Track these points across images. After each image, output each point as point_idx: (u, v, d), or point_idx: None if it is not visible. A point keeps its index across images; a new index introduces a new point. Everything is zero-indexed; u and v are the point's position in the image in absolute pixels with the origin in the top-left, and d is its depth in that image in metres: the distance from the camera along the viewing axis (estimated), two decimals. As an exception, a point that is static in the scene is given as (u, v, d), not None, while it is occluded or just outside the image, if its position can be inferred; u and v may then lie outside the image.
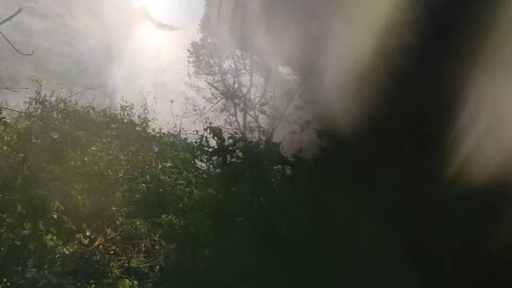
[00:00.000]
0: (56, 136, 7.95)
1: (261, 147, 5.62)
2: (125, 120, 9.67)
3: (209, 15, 31.51)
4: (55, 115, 9.47)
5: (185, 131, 10.15)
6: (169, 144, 8.73)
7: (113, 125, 8.95)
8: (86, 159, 7.44)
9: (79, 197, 6.48)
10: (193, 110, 28.93)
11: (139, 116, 9.85)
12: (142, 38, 66.45)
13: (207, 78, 30.88)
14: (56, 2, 60.54)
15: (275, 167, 5.55)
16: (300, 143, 5.80)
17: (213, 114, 30.08)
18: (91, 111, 9.83)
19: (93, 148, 7.81)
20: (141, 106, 10.18)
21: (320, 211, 4.82)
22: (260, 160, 5.30)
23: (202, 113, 28.93)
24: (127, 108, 9.57)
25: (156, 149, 8.32)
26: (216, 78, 31.38)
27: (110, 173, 7.36)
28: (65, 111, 8.79)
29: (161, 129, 9.73)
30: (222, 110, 30.54)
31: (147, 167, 7.80)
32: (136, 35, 68.15)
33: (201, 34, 32.13)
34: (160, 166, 8.06)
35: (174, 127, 10.44)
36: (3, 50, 38.67)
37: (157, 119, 10.23)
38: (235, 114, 31.08)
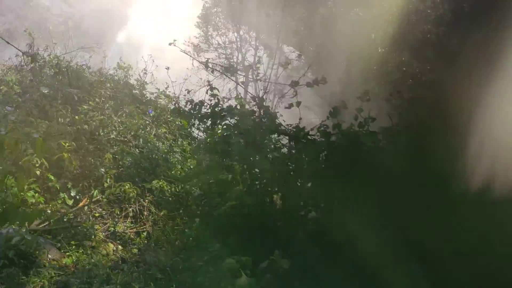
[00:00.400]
0: (46, 91, 7.56)
1: (256, 115, 5.25)
2: (122, 82, 9.22)
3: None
4: (47, 71, 9.02)
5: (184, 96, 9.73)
6: (165, 109, 8.33)
7: (108, 85, 8.53)
8: (76, 117, 7.08)
9: (66, 155, 6.16)
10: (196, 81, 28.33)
11: (136, 79, 9.40)
12: (145, 3, 65.10)
13: (211, 49, 30.28)
14: (59, -40, 58.93)
15: (271, 137, 5.21)
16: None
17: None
18: (86, 69, 9.39)
19: (85, 107, 7.44)
20: (141, 71, 9.70)
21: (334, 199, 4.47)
22: (255, 127, 4.95)
23: (203, 85, 28.22)
24: (124, 69, 9.08)
25: (152, 113, 7.94)
26: (219, 51, 30.77)
27: (102, 134, 7.02)
28: (57, 67, 8.34)
29: (158, 92, 9.32)
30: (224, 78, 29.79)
31: (141, 131, 7.44)
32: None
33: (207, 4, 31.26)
34: (154, 131, 7.71)
35: (173, 93, 9.94)
36: (2, 8, 37.56)
37: (156, 83, 9.78)
38: (236, 88, 30.59)
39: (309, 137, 4.88)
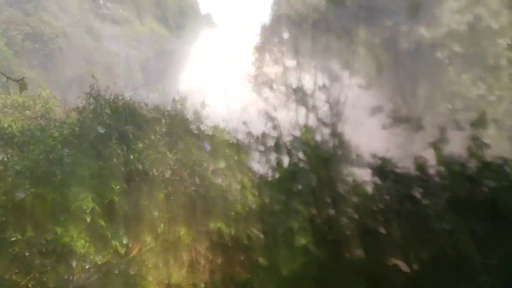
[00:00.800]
0: (103, 131, 7.26)
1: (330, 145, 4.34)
2: (178, 117, 8.83)
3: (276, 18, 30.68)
4: (107, 111, 8.86)
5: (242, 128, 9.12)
6: (223, 142, 7.70)
7: (164, 121, 8.14)
8: (131, 156, 6.67)
9: (117, 198, 5.69)
10: (257, 112, 28.02)
11: (194, 112, 8.94)
12: (206, 42, 67.64)
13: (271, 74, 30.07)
14: (127, 9, 63.14)
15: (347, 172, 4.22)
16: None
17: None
18: (143, 106, 9.13)
19: (139, 145, 7.02)
20: (199, 105, 9.21)
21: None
22: (330, 161, 4.03)
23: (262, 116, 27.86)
24: (179, 102, 8.67)
25: (209, 148, 7.33)
26: (278, 77, 30.49)
27: (156, 173, 6.52)
28: (114, 106, 8.12)
29: (215, 126, 8.78)
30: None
31: (197, 167, 6.85)
32: (200, 39, 69.56)
33: (265, 35, 31.35)
34: (212, 168, 7.09)
35: (230, 127, 9.35)
36: (75, 55, 40.64)
37: (213, 117, 9.23)
38: (296, 115, 29.78)
39: (398, 170, 3.81)
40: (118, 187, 5.71)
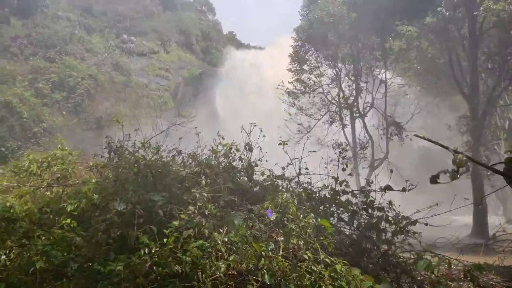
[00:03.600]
0: (123, 208, 5.03)
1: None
2: (222, 164, 6.33)
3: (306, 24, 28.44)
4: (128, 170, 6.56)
5: (306, 172, 6.52)
6: (292, 203, 5.10)
7: (203, 177, 5.77)
8: (165, 248, 4.37)
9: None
10: (297, 130, 25.55)
11: (241, 158, 6.42)
12: (233, 61, 66.35)
13: (307, 92, 27.57)
14: (151, 40, 63.08)
15: None
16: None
17: (319, 132, 26.49)
18: (174, 159, 6.86)
19: (175, 224, 4.72)
20: (244, 145, 6.53)
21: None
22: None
23: (307, 131, 25.44)
24: (220, 150, 6.12)
25: (273, 217, 4.84)
26: (316, 90, 28.00)
27: (201, 277, 4.16)
28: (136, 167, 5.89)
29: (272, 173, 6.28)
30: (331, 122, 26.66)
31: (264, 258, 4.34)
32: (226, 58, 68.41)
33: (296, 44, 29.12)
34: (282, 249, 4.54)
35: (286, 169, 6.57)
36: (104, 94, 39.80)
37: (266, 160, 6.64)
38: (343, 128, 27.12)
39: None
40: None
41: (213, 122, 37.21)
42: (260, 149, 6.75)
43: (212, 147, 6.30)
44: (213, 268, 4.07)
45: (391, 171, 5.51)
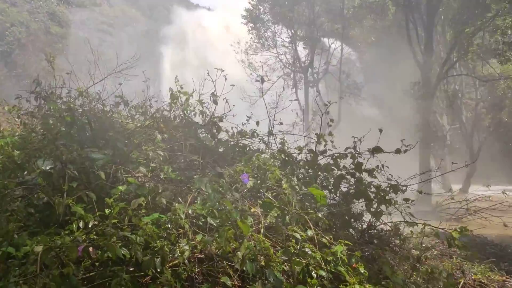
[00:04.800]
0: (48, 167, 3.75)
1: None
2: (179, 118, 5.05)
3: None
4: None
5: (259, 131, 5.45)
6: (272, 165, 3.96)
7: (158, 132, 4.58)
8: (107, 220, 3.22)
9: None
10: (251, 94, 24.50)
11: (202, 112, 5.19)
12: (180, 20, 62.86)
13: (261, 52, 26.49)
14: (93, -9, 58.10)
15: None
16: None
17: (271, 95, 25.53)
18: (122, 108, 5.57)
19: (120, 189, 3.55)
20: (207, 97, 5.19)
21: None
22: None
23: (260, 96, 24.46)
24: (178, 98, 4.79)
25: (249, 183, 3.75)
26: (271, 51, 26.95)
27: (159, 263, 3.04)
28: (70, 115, 4.51)
29: (236, 129, 5.21)
30: (285, 87, 25.90)
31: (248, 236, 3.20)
32: (174, 18, 64.68)
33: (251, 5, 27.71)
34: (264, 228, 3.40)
35: (238, 126, 5.48)
36: (38, 46, 35.77)
37: (233, 116, 5.44)
38: (296, 91, 26.60)
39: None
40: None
41: (159, 82, 34.93)
42: (226, 101, 5.63)
43: (171, 93, 5.09)
44: (173, 252, 3.02)
45: (380, 130, 4.66)
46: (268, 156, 4.08)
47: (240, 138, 5.38)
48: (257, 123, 5.10)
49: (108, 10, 58.23)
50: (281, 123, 5.36)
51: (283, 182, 3.58)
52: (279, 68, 27.26)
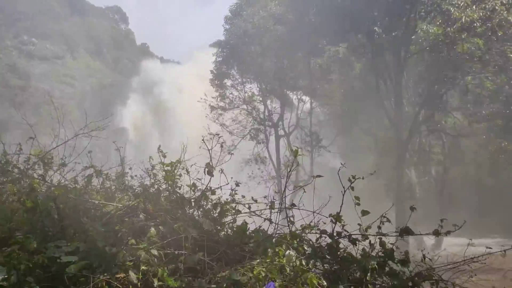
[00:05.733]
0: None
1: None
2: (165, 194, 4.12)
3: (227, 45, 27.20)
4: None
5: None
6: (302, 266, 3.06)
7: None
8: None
9: None
10: (220, 146, 23.57)
11: (195, 185, 4.18)
12: (146, 73, 62.29)
13: (231, 108, 25.98)
14: (56, 43, 57.00)
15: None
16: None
17: (245, 152, 24.91)
18: (95, 181, 4.57)
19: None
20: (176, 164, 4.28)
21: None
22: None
23: (230, 151, 23.62)
24: (168, 168, 3.92)
25: None
26: (239, 107, 26.53)
27: None
28: (31, 198, 3.48)
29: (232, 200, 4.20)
30: (256, 140, 25.36)
31: None
32: (139, 70, 64.11)
33: (217, 62, 27.63)
34: None
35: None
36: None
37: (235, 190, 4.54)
38: (267, 144, 26.09)
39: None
40: None
41: (122, 138, 33.47)
42: (221, 171, 4.67)
43: (151, 166, 4.16)
44: None
45: (351, 181, 3.84)
46: (293, 252, 3.19)
47: (237, 214, 4.42)
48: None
49: (71, 62, 57.13)
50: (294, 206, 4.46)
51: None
52: (249, 123, 26.81)
